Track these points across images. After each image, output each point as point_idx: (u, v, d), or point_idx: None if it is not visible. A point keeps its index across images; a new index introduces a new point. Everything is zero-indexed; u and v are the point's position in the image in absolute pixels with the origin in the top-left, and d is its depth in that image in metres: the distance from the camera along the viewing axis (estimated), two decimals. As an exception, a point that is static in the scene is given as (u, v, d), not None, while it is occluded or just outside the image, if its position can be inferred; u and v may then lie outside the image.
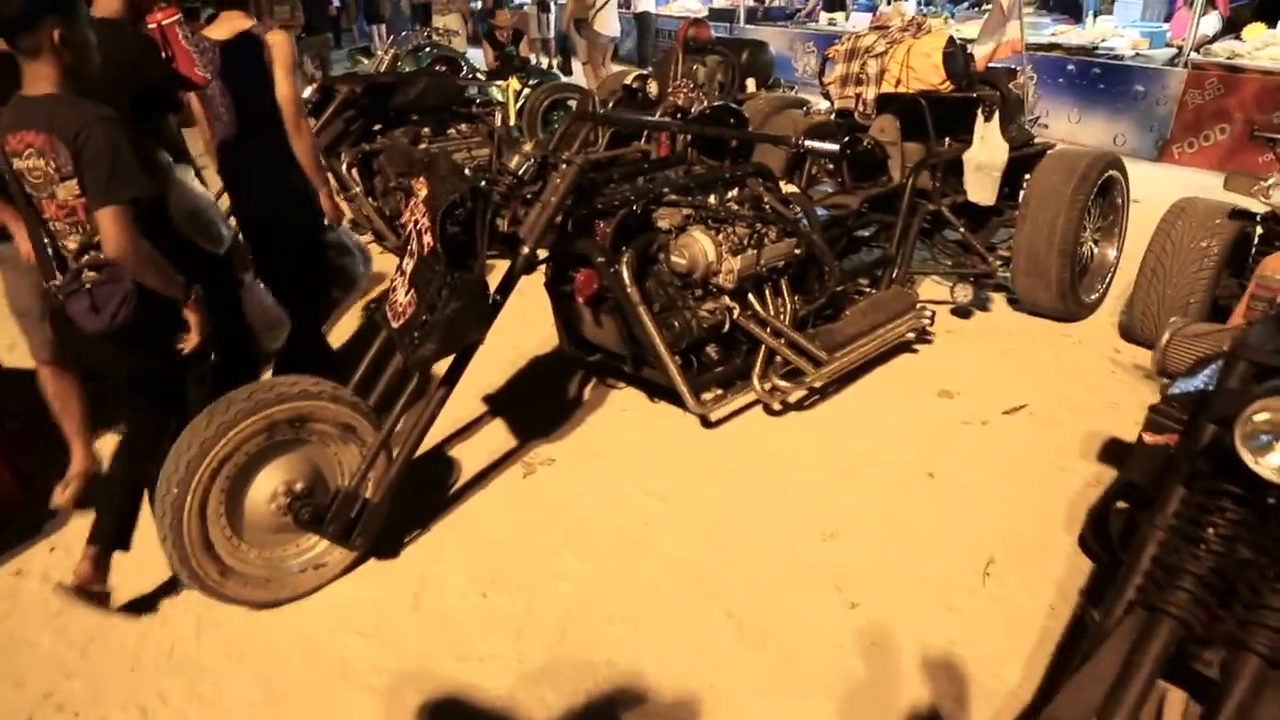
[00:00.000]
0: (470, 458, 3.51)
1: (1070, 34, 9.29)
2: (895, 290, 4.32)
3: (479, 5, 13.26)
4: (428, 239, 2.62)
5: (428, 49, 8.52)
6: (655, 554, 2.95)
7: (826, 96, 4.96)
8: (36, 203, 2.33)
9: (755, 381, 3.54)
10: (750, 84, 6.65)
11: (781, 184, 3.77)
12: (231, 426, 2.46)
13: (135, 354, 2.52)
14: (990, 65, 4.89)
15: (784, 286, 3.66)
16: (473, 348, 2.76)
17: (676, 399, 3.47)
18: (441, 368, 2.82)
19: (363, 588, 2.83)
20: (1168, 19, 9.98)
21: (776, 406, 3.68)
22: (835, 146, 3.63)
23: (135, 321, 2.40)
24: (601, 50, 11.03)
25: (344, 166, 5.64)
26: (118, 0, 2.91)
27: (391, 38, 9.37)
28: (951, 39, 4.42)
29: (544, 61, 13.17)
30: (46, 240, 2.38)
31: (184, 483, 2.43)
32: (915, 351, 4.32)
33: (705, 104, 4.94)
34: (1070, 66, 8.71)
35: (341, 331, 4.68)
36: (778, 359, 3.62)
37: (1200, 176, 7.58)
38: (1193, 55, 7.94)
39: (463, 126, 5.95)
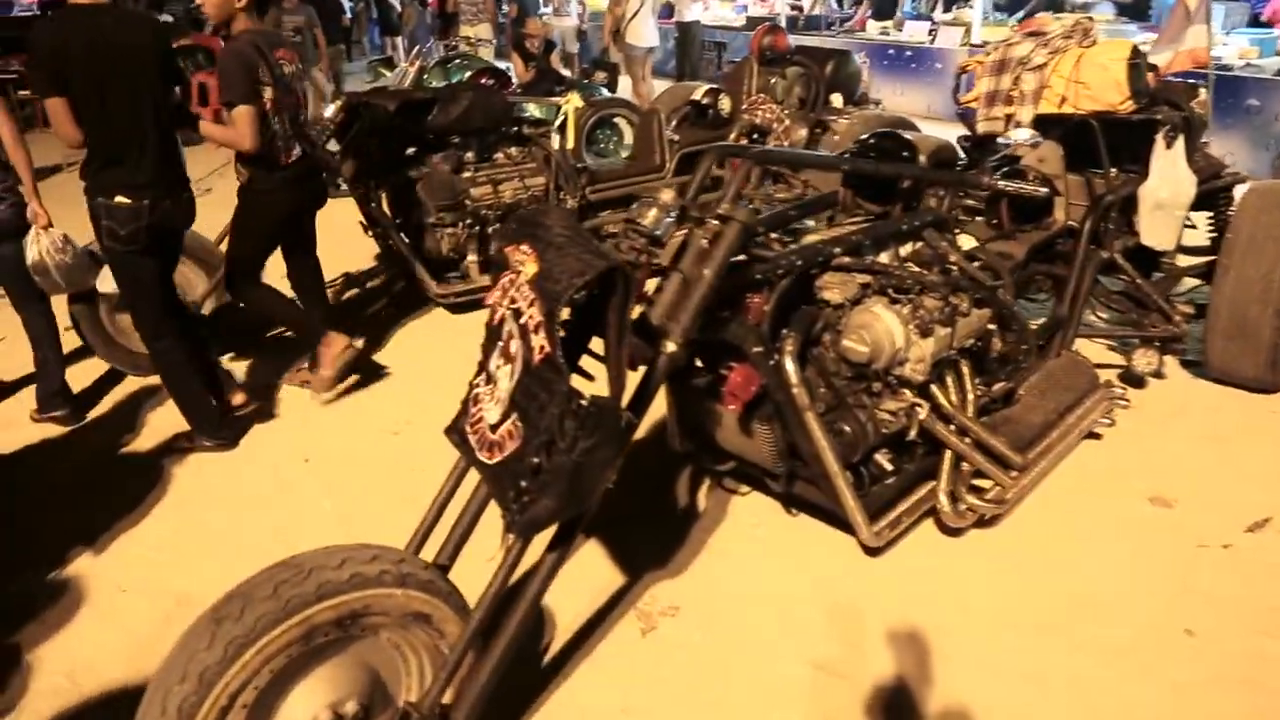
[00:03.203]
0: (568, 600, 2.61)
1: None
2: (1069, 359, 3.45)
3: (502, 15, 12.53)
4: (539, 341, 1.76)
5: (458, 60, 7.68)
6: (851, 778, 2.07)
7: (963, 118, 4.10)
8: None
9: (942, 499, 2.68)
10: (836, 99, 5.80)
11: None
12: (248, 644, 1.59)
13: None
14: (1165, 79, 4.03)
15: (964, 369, 2.80)
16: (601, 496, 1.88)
17: (820, 509, 2.63)
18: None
19: (436, 835, 1.95)
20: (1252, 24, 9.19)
21: (960, 525, 2.80)
22: (1044, 189, 2.79)
23: None
24: (639, 63, 10.21)
25: (375, 198, 4.82)
26: None
27: (416, 49, 8.53)
28: (1135, 48, 3.56)
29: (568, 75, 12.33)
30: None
31: (176, 734, 1.56)
32: (1097, 437, 3.43)
33: (858, 127, 4.04)
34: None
35: (390, 453, 3.55)
36: (964, 465, 2.76)
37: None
38: (1315, 66, 7.09)
39: (513, 150, 5.10)
